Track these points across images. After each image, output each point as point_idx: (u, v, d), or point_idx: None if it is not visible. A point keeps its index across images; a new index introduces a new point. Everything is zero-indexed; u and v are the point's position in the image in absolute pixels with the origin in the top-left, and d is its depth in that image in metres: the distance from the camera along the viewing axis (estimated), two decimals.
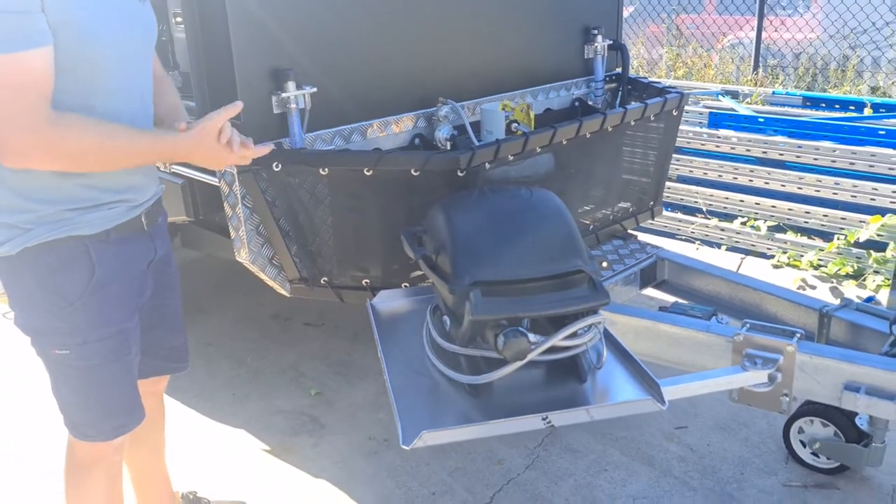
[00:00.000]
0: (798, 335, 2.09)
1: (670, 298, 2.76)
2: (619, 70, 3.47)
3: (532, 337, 1.50)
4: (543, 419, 1.49)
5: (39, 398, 2.94)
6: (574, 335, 1.58)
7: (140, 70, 1.66)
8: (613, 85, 3.47)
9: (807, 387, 2.06)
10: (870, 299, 2.42)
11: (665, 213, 4.47)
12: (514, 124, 2.77)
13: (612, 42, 3.37)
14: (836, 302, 2.42)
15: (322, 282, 2.42)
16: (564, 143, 2.55)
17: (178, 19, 2.53)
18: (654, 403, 1.53)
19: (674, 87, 3.13)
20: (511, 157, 2.32)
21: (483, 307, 1.49)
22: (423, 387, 1.67)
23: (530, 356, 1.51)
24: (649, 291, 2.92)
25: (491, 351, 1.59)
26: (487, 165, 2.24)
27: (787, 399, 2.10)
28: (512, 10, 2.95)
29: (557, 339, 1.52)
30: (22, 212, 1.53)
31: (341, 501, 2.47)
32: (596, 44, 3.31)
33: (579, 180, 2.81)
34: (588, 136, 2.59)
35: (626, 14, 8.47)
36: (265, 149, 1.75)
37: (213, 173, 2.33)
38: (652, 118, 2.87)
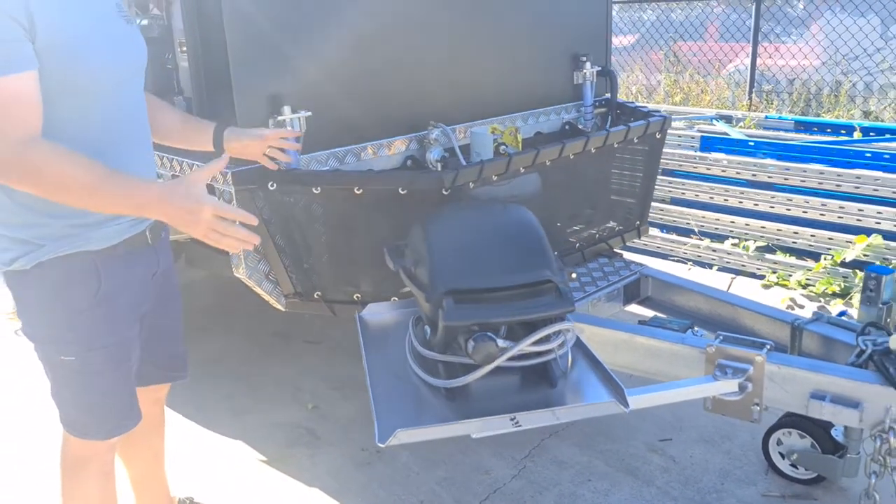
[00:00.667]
0: (768, 346, 2.18)
1: (653, 314, 2.85)
2: (608, 95, 3.60)
3: (501, 342, 1.61)
4: (512, 419, 1.58)
5: (42, 403, 3.05)
6: (542, 341, 1.68)
7: (132, 92, 1.73)
8: (603, 109, 3.59)
9: (776, 396, 2.15)
10: (842, 313, 2.50)
11: (659, 234, 4.57)
12: (502, 147, 2.89)
13: (600, 68, 3.50)
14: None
15: (315, 296, 2.53)
16: (549, 164, 2.67)
17: (183, 48, 2.68)
18: (616, 406, 1.62)
19: (659, 111, 3.25)
20: (495, 178, 2.44)
21: (454, 314, 1.60)
22: (402, 391, 1.77)
23: (499, 360, 1.61)
24: (634, 308, 3.01)
25: (465, 357, 1.69)
26: (471, 185, 2.35)
27: (758, 408, 2.18)
28: (502, 37, 3.08)
29: (525, 345, 1.62)
30: (34, 227, 1.61)
31: None
32: (585, 70, 3.43)
33: (566, 200, 2.93)
34: (572, 157, 2.71)
35: (629, 42, 8.64)
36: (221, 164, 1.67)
37: (213, 192, 2.45)
38: (636, 140, 2.99)
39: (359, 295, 2.50)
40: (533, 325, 1.72)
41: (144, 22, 2.59)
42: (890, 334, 2.10)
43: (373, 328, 2.18)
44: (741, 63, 6.82)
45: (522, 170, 2.54)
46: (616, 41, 8.55)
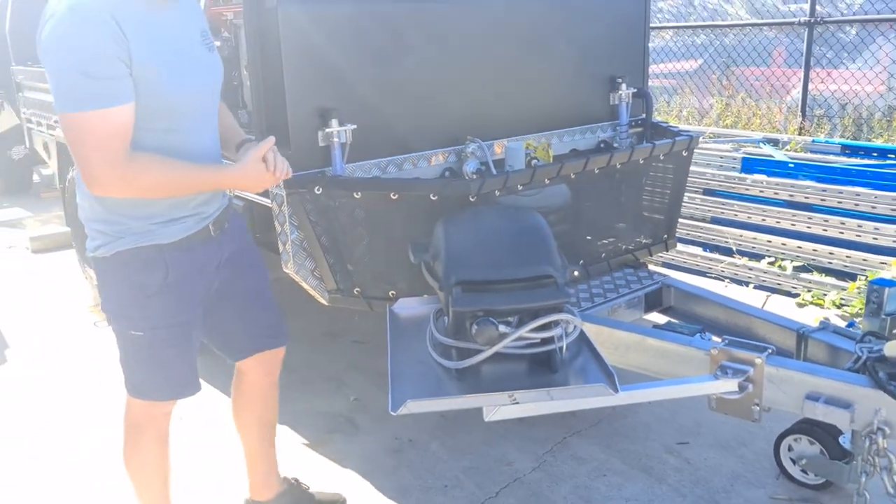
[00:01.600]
0: (769, 350, 2.32)
1: (674, 321, 3.00)
2: (643, 116, 3.77)
3: (502, 327, 1.82)
4: (510, 396, 1.79)
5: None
6: (545, 330, 1.89)
7: (210, 110, 2.04)
8: (639, 129, 3.77)
9: (774, 397, 2.28)
10: (851, 324, 2.61)
11: (699, 252, 4.68)
12: (534, 161, 3.10)
13: (636, 90, 3.68)
14: None
15: (355, 292, 2.78)
16: (576, 177, 2.87)
17: (246, 68, 2.99)
18: (606, 388, 1.81)
19: (688, 132, 3.40)
20: (520, 187, 2.65)
21: (462, 301, 1.82)
22: (418, 371, 1.99)
23: (501, 344, 1.83)
24: (655, 316, 3.17)
25: (474, 343, 1.91)
26: (497, 193, 2.58)
27: (758, 408, 2.32)
28: (541, 59, 3.28)
29: (524, 331, 1.83)
30: (115, 223, 1.92)
31: (365, 488, 2.79)
32: (621, 91, 3.61)
33: (594, 212, 3.11)
34: (597, 171, 2.90)
35: (693, 67, 8.71)
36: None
37: (267, 196, 2.74)
38: (662, 158, 3.16)
39: (394, 292, 2.74)
40: (537, 315, 1.92)
41: (217, 44, 2.91)
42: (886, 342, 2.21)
43: (401, 320, 2.41)
44: (812, 88, 6.86)
45: (547, 181, 2.74)
46: (679, 65, 8.65)
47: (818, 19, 6.74)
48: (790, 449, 2.65)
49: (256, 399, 2.41)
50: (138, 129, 1.80)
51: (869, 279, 3.90)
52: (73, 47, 1.70)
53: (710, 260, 4.60)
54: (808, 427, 2.55)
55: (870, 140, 6.24)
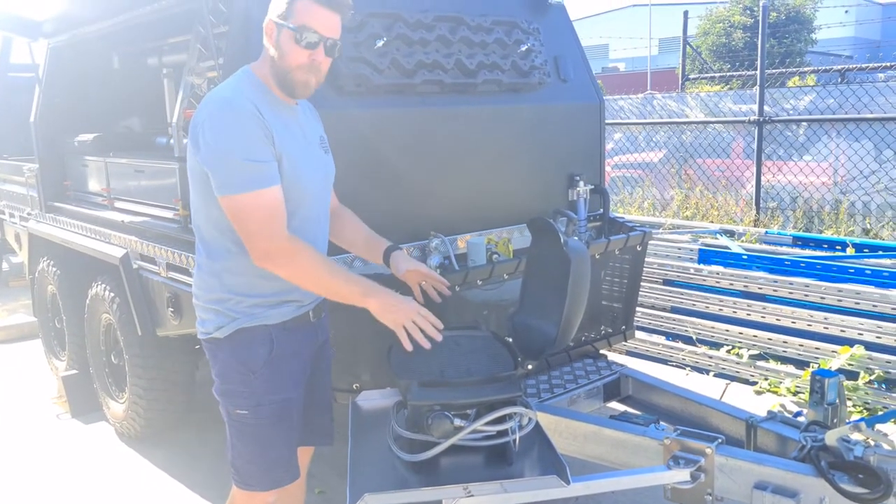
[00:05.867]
0: (719, 440, 2.40)
1: (632, 411, 3.08)
2: (601, 210, 3.94)
3: (457, 421, 1.89)
4: (464, 488, 1.84)
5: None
6: (500, 423, 1.96)
7: (323, 203, 2.25)
8: (597, 223, 3.94)
9: (725, 486, 2.35)
10: (798, 413, 2.71)
11: (662, 340, 4.81)
12: (495, 255, 3.23)
13: (593, 186, 3.87)
14: None
15: None
16: None
17: None
18: (557, 480, 1.87)
19: (642, 226, 3.58)
20: (480, 282, 2.77)
21: (418, 395, 1.90)
22: (377, 463, 2.04)
23: (456, 437, 1.89)
24: (615, 405, 3.25)
25: (430, 436, 1.97)
26: (458, 288, 2.68)
27: (710, 498, 2.38)
28: (503, 158, 3.47)
29: (478, 425, 1.90)
30: (230, 301, 2.08)
31: None
32: (578, 188, 3.80)
33: None
34: None
35: (657, 158, 9.10)
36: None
37: None
38: (617, 252, 3.31)
39: (357, 384, 2.80)
40: (493, 408, 2.00)
41: None
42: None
43: (364, 412, 2.46)
44: (768, 180, 7.21)
45: (506, 276, 2.86)
46: (641, 157, 9.03)
47: (766, 118, 7.14)
48: None
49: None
50: None
51: (822, 367, 4.03)
52: (234, 136, 1.92)
53: (672, 348, 4.72)
54: None
55: (821, 231, 6.53)
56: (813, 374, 2.53)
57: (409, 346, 2.04)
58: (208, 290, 2.13)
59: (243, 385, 2.11)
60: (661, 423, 2.64)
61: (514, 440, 1.94)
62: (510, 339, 2.41)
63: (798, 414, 2.71)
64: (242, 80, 2.07)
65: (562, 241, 2.17)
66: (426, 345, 2.04)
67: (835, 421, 2.50)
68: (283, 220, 1.99)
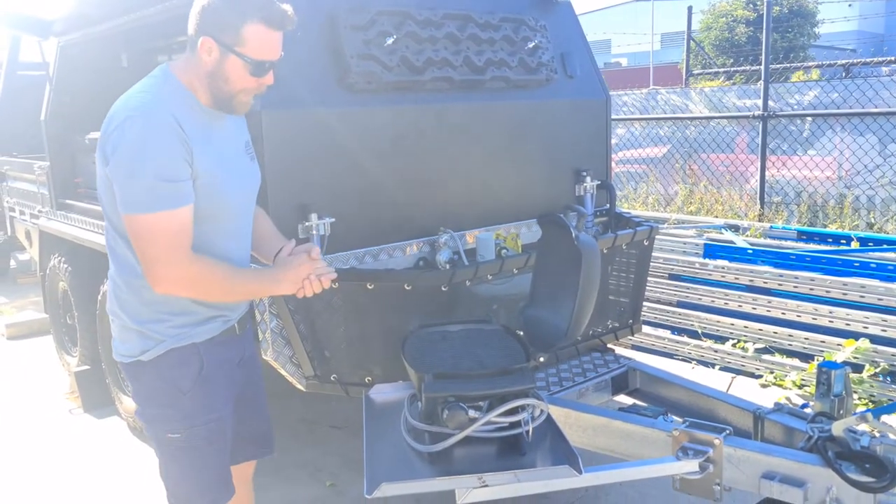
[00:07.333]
0: (727, 431, 2.43)
1: (640, 404, 3.11)
2: (608, 206, 3.98)
3: (472, 412, 1.93)
4: (479, 478, 1.89)
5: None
6: (513, 415, 2.00)
7: (247, 213, 2.12)
8: (603, 218, 3.97)
9: (733, 476, 2.38)
10: (805, 405, 2.74)
11: (668, 335, 4.84)
12: (504, 250, 3.27)
13: (600, 182, 3.90)
14: None
15: (332, 378, 2.87)
16: None
17: None
18: (569, 470, 1.91)
19: (649, 222, 3.61)
20: (490, 277, 2.80)
21: (433, 387, 1.94)
22: (392, 454, 2.08)
23: (471, 428, 1.93)
24: (622, 398, 3.28)
25: (445, 427, 2.01)
26: (468, 283, 2.72)
27: (719, 488, 2.41)
28: (511, 154, 3.51)
29: (492, 416, 1.94)
30: (158, 322, 1.96)
31: None
32: (585, 183, 3.83)
33: None
34: None
35: (660, 154, 9.13)
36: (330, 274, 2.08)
37: None
38: (624, 247, 3.34)
39: (370, 378, 2.84)
40: (505, 400, 2.04)
41: None
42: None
43: (377, 405, 2.50)
44: (773, 175, 7.24)
45: (516, 270, 2.90)
46: (646, 152, 9.06)
47: (771, 113, 7.16)
48: None
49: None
50: None
51: (824, 360, 4.07)
52: (146, 150, 1.78)
53: (678, 342, 4.75)
54: None
55: (825, 226, 6.56)
56: (819, 365, 2.56)
57: (314, 290, 2.02)
58: (129, 311, 2.00)
59: (173, 408, 2.00)
60: (670, 415, 2.68)
61: (528, 431, 1.98)
62: (520, 333, 2.45)
63: (804, 406, 2.75)
64: (161, 85, 1.91)
65: (573, 235, 2.20)
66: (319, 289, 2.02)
67: (841, 412, 2.54)
68: (187, 244, 1.86)
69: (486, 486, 1.90)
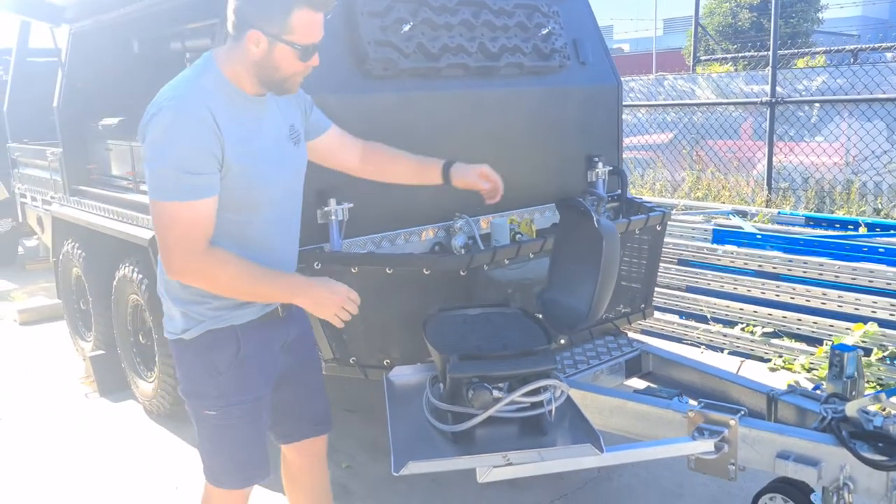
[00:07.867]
0: (742, 412, 2.48)
1: (654, 387, 3.16)
2: (619, 191, 4.01)
3: (496, 392, 1.97)
4: (504, 457, 1.93)
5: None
6: (534, 395, 2.04)
7: (292, 201, 2.11)
8: (615, 204, 4.00)
9: (748, 456, 2.43)
10: (817, 387, 2.79)
11: (676, 319, 4.88)
12: (518, 235, 3.31)
13: (612, 168, 3.93)
14: None
15: (351, 361, 2.92)
16: None
17: None
18: (592, 449, 1.96)
19: (661, 207, 3.64)
20: (507, 261, 2.84)
21: (459, 368, 1.98)
22: (416, 434, 2.13)
23: (495, 407, 1.98)
24: (636, 381, 3.33)
25: (468, 407, 2.05)
26: (486, 267, 2.76)
27: (734, 467, 2.46)
28: (524, 140, 3.53)
29: (516, 395, 1.99)
30: (198, 304, 1.99)
31: None
32: (597, 169, 3.86)
33: None
34: None
35: (667, 140, 9.14)
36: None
37: None
38: (637, 232, 3.37)
39: (388, 360, 2.88)
40: (527, 381, 2.08)
41: None
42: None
43: (397, 387, 2.55)
44: (780, 161, 7.25)
45: (531, 255, 2.93)
46: (652, 138, 9.07)
47: (779, 99, 7.17)
48: None
49: (306, 483, 2.43)
50: (217, 217, 1.90)
51: (835, 343, 4.11)
52: (174, 141, 1.80)
53: (687, 327, 4.79)
54: (782, 486, 2.69)
55: (832, 212, 6.58)
56: (832, 347, 2.60)
57: (340, 325, 2.01)
58: (171, 292, 2.05)
59: (211, 386, 2.05)
60: (684, 397, 2.72)
61: (550, 411, 2.02)
62: (539, 316, 2.49)
63: (817, 388, 2.79)
64: (204, 75, 1.92)
65: (594, 220, 2.24)
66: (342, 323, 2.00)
67: (853, 393, 2.58)
68: (203, 236, 1.86)
69: (511, 464, 1.95)
